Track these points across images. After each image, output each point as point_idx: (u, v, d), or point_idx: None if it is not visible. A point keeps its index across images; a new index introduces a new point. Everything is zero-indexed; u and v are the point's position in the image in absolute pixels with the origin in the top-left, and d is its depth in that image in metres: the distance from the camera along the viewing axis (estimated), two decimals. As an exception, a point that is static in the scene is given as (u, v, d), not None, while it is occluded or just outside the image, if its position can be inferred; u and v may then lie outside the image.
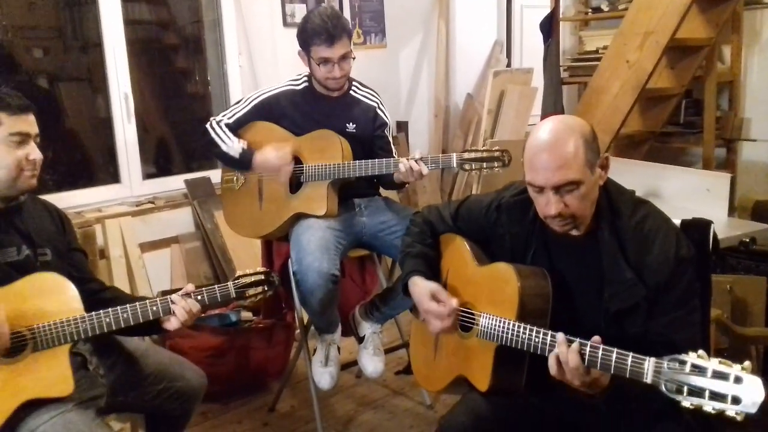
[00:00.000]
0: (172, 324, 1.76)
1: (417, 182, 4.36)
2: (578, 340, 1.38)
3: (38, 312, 1.65)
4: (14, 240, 1.73)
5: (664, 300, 1.46)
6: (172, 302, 1.74)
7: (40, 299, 1.66)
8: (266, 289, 1.83)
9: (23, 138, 1.71)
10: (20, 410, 1.59)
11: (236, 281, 1.81)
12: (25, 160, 1.71)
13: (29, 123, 1.73)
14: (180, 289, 1.78)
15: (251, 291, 1.82)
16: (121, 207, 3.35)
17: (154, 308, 1.72)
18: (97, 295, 1.85)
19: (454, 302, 1.69)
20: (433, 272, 1.82)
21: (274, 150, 2.45)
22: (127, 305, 1.70)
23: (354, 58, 2.48)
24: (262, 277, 1.83)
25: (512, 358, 1.56)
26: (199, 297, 1.76)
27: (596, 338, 1.37)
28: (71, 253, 1.88)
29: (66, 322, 1.65)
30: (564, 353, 1.38)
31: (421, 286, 1.75)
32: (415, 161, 2.31)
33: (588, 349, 1.36)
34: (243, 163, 2.49)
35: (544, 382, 1.46)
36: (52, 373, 1.63)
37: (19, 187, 1.73)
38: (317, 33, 2.38)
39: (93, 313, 1.67)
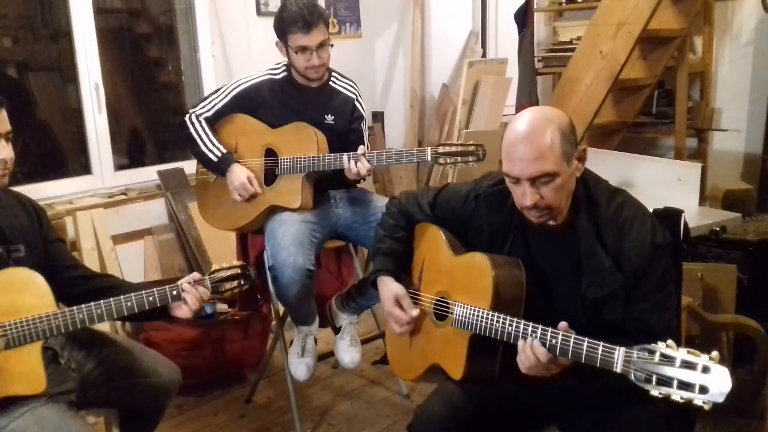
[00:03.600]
0: (183, 312, 1.76)
1: (393, 172, 4.39)
2: (545, 328, 1.42)
3: (10, 308, 1.61)
4: None
5: (641, 286, 1.49)
6: (183, 290, 1.73)
7: (12, 295, 1.62)
8: (242, 283, 1.82)
9: None
10: (-8, 408, 1.56)
11: (212, 275, 1.79)
12: None
13: None
14: (162, 280, 1.76)
15: (227, 285, 1.80)
16: (92, 199, 3.30)
17: (151, 298, 1.70)
18: (89, 282, 1.82)
19: (414, 312, 1.74)
20: (403, 268, 1.84)
21: (247, 175, 2.42)
22: (102, 302, 1.66)
23: (332, 45, 2.47)
24: (239, 270, 1.82)
25: (486, 347, 1.57)
26: (174, 292, 1.74)
27: (563, 324, 1.40)
28: (50, 245, 1.83)
29: (38, 318, 1.61)
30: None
31: (388, 287, 1.79)
32: (349, 158, 2.30)
33: (560, 338, 1.38)
34: (219, 168, 2.46)
35: (518, 370, 1.47)
36: (24, 371, 1.60)
37: None
38: (294, 21, 2.36)
39: (67, 309, 1.64)
